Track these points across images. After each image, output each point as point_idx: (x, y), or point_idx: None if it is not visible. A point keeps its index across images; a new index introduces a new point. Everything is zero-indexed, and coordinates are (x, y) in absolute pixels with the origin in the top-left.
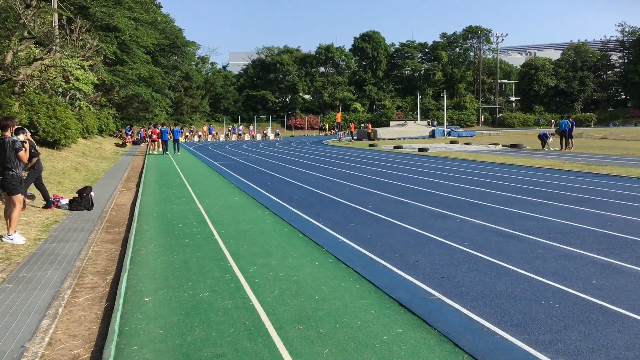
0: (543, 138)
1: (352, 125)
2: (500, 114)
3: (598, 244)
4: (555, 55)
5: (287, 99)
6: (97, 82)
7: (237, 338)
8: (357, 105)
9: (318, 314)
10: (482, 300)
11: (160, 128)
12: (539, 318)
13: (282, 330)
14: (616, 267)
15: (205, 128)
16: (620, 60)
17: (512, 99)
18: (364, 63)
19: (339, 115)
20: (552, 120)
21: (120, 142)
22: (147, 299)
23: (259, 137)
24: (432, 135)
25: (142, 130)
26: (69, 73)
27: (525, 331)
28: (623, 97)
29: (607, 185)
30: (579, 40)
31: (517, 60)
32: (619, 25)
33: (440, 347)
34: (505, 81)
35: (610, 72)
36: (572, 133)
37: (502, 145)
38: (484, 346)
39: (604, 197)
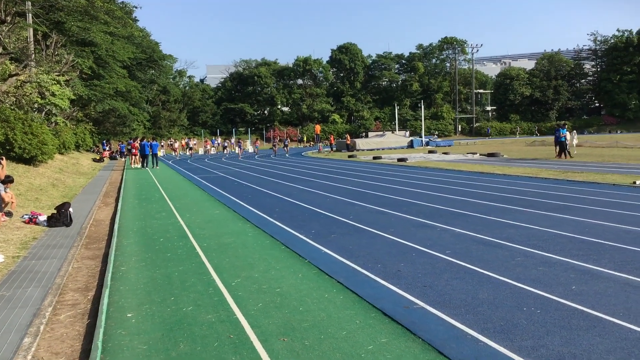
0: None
1: (332, 137)
2: (477, 124)
3: (577, 250)
4: (530, 64)
5: (266, 112)
6: (73, 97)
7: (222, 352)
8: (336, 116)
9: (303, 325)
10: (465, 308)
11: (139, 142)
12: (521, 324)
13: (267, 342)
14: (595, 272)
15: (183, 142)
16: (594, 69)
17: (488, 108)
18: (342, 75)
19: (317, 127)
20: (543, 129)
21: (98, 157)
22: (129, 315)
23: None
24: (411, 145)
25: (130, 140)
26: (44, 89)
27: (508, 337)
28: (597, 105)
29: (584, 192)
30: (552, 49)
31: (492, 70)
32: (591, 35)
33: (425, 355)
34: (481, 91)
35: (583, 80)
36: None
37: (480, 154)
38: (468, 354)
39: (581, 204)
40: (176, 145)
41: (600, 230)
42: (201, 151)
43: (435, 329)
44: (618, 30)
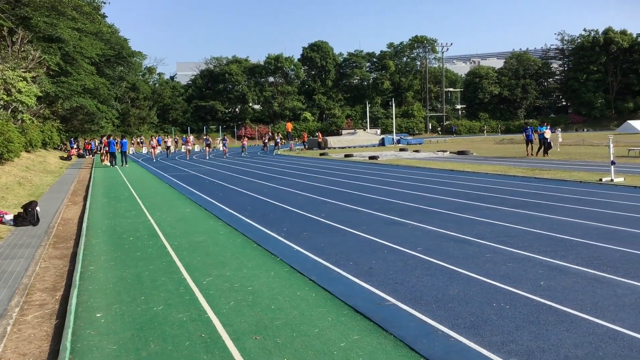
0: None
1: (304, 135)
2: (447, 122)
3: (545, 246)
4: (499, 63)
5: (237, 109)
6: (40, 94)
7: (193, 351)
8: (307, 114)
9: (275, 323)
10: (436, 304)
11: (106, 140)
12: (491, 320)
13: (239, 341)
14: (563, 268)
15: (154, 141)
16: (561, 68)
17: (458, 106)
18: (313, 73)
19: (289, 125)
20: (533, 127)
21: (66, 155)
22: (98, 315)
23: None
24: (382, 143)
25: (102, 138)
26: (10, 85)
27: (478, 333)
28: (564, 103)
29: (552, 190)
30: (520, 49)
31: (462, 69)
32: (558, 34)
33: (397, 351)
34: (451, 89)
35: (551, 79)
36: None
37: (450, 152)
38: (439, 349)
39: (549, 200)
40: (169, 142)
41: (568, 227)
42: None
43: (407, 325)
44: (585, 30)
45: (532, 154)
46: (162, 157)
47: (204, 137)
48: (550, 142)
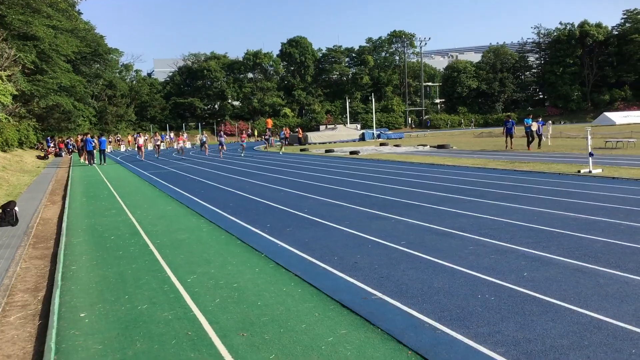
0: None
1: (286, 130)
2: (427, 116)
3: (527, 238)
4: (476, 57)
5: (216, 106)
6: (15, 92)
7: (180, 349)
8: (287, 110)
9: (262, 319)
10: (422, 297)
11: (83, 138)
12: (476, 312)
13: (226, 338)
14: (545, 259)
15: (130, 137)
16: (537, 62)
17: (437, 101)
18: (292, 68)
19: (269, 121)
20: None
21: (42, 155)
22: (82, 315)
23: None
24: (362, 138)
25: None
26: None
27: (465, 325)
28: (541, 96)
29: (531, 182)
30: (497, 42)
31: (440, 64)
32: (535, 28)
33: (384, 345)
34: (430, 84)
35: (528, 73)
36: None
37: (430, 146)
38: (426, 342)
39: (529, 193)
40: (157, 139)
41: (548, 218)
42: (150, 147)
43: (394, 318)
44: (561, 23)
45: (511, 148)
46: (151, 157)
47: (199, 135)
48: (541, 135)
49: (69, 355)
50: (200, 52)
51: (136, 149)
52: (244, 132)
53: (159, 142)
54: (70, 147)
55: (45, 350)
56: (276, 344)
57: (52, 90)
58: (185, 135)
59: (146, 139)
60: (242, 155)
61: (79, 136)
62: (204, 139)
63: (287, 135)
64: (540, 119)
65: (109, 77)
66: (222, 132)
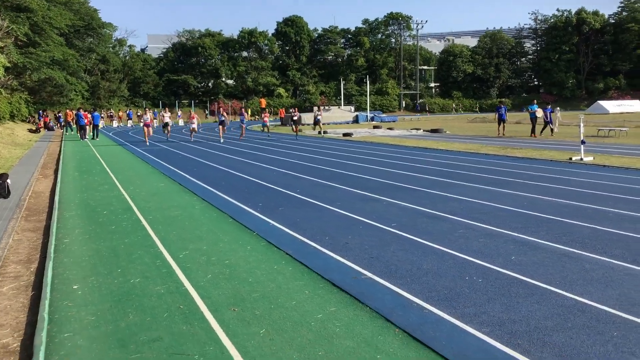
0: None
1: (281, 111)
2: (421, 100)
3: (516, 222)
4: (472, 42)
5: (210, 84)
6: (8, 64)
7: (172, 322)
8: (281, 90)
9: (252, 296)
10: (411, 277)
11: (75, 112)
12: (463, 293)
13: (217, 312)
14: (533, 244)
15: (121, 113)
16: (533, 48)
17: (432, 85)
18: (287, 48)
19: (263, 101)
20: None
21: (34, 128)
22: (75, 287)
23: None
24: (356, 120)
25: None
26: None
27: (452, 305)
28: (536, 83)
29: (523, 168)
30: (494, 27)
31: (436, 47)
32: (532, 14)
33: (373, 322)
34: (425, 67)
35: (524, 59)
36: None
37: (424, 130)
38: (414, 320)
39: (520, 178)
40: (167, 118)
41: (538, 204)
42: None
43: (383, 297)
44: (558, 10)
45: (503, 134)
46: (130, 130)
47: (218, 114)
48: (550, 122)
49: (62, 326)
50: (195, 29)
51: (143, 128)
52: (266, 110)
53: (168, 120)
54: (62, 121)
55: (38, 320)
56: (266, 319)
57: (45, 64)
58: (179, 113)
59: (155, 117)
60: (269, 136)
61: (67, 111)
62: (157, 115)
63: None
64: (549, 106)
65: (102, 52)
66: (223, 111)
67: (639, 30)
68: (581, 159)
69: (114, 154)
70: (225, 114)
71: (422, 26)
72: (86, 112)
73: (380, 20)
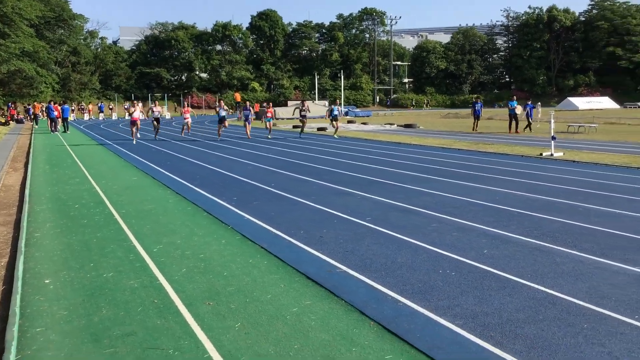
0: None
1: (257, 105)
2: (395, 95)
3: (488, 217)
4: (445, 38)
5: (183, 77)
6: None
7: (146, 316)
8: (255, 84)
9: (228, 289)
10: (385, 271)
11: (46, 105)
12: (437, 286)
13: (192, 306)
14: (505, 237)
15: (91, 106)
16: (505, 45)
17: (405, 80)
18: (262, 42)
19: (237, 95)
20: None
21: (3, 121)
22: (47, 281)
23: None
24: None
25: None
26: None
27: (426, 298)
28: (507, 79)
29: (495, 163)
30: (467, 24)
31: (409, 43)
32: (504, 11)
33: (348, 316)
34: (399, 63)
35: (495, 55)
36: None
37: (397, 125)
38: (388, 313)
39: (492, 173)
40: (157, 111)
41: (510, 199)
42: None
43: (357, 291)
44: (530, 7)
45: (476, 129)
46: (102, 123)
47: (219, 108)
48: (530, 118)
49: (34, 320)
50: (168, 21)
51: (130, 124)
52: (270, 105)
53: (158, 115)
54: (31, 113)
55: (10, 314)
56: (242, 313)
57: (15, 55)
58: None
59: (141, 111)
60: (270, 136)
61: (35, 103)
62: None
63: (271, 114)
64: (529, 102)
65: (73, 44)
66: (223, 104)
67: (609, 28)
68: (552, 155)
69: (85, 146)
70: (225, 107)
71: (396, 22)
72: (56, 105)
73: (354, 15)
